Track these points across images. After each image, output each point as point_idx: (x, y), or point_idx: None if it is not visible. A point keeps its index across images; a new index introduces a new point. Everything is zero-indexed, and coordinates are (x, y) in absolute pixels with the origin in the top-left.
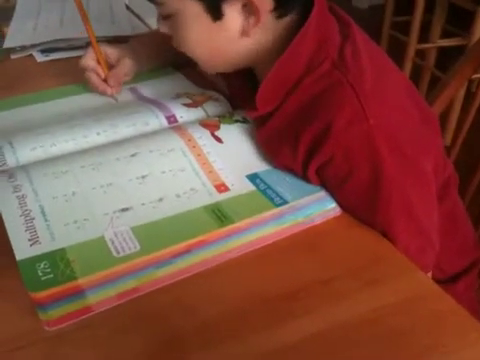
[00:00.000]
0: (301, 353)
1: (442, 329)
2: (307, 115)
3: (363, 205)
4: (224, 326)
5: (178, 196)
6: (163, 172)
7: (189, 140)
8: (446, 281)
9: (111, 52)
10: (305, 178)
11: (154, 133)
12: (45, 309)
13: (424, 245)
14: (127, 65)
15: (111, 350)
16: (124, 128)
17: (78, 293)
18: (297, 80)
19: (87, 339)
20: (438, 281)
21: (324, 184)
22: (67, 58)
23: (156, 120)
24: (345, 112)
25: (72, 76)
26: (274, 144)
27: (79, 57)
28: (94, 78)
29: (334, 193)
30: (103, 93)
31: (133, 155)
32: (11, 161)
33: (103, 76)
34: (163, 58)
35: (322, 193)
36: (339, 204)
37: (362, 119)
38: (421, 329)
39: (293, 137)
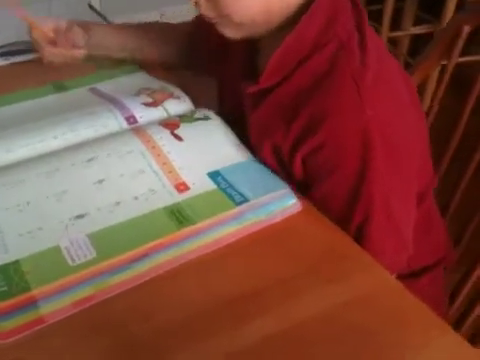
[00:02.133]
0: (261, 354)
1: (403, 326)
2: (306, 95)
3: (344, 197)
4: (181, 331)
5: (136, 198)
6: (121, 175)
7: (148, 141)
8: (410, 276)
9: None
10: (289, 164)
11: (112, 135)
12: None
13: (399, 246)
14: (75, 32)
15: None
16: (82, 130)
17: (31, 304)
18: (304, 57)
19: (43, 349)
20: (402, 275)
21: (308, 174)
22: (28, 61)
23: (115, 121)
24: (343, 101)
25: (33, 79)
26: (268, 120)
27: (39, 59)
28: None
29: (316, 183)
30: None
31: (90, 160)
32: None
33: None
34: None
35: (284, 190)
36: (316, 196)
37: (359, 111)
38: (382, 326)
39: (289, 115)
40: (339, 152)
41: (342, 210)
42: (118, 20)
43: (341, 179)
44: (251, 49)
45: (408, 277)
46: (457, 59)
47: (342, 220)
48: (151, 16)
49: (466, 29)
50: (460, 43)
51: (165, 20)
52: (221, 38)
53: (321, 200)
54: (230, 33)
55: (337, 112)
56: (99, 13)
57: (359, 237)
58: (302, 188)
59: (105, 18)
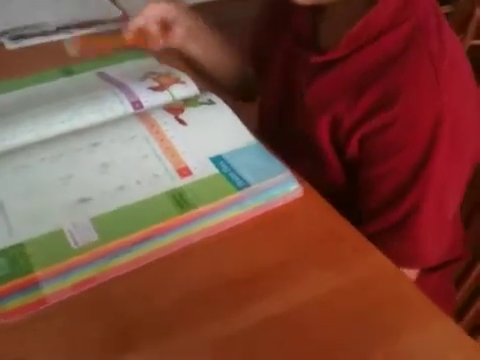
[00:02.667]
0: (260, 336)
1: (399, 311)
2: (379, 71)
3: (401, 180)
4: (180, 313)
5: (139, 183)
6: (125, 160)
7: (152, 126)
8: (427, 270)
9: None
10: (344, 139)
11: (117, 120)
12: (1, 302)
13: (439, 239)
14: (177, 35)
15: (67, 340)
16: (89, 115)
17: (34, 285)
18: (378, 32)
19: (44, 330)
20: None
21: (367, 152)
22: (38, 44)
23: (121, 106)
24: (420, 81)
25: (44, 62)
26: (331, 92)
27: (51, 43)
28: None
29: (374, 163)
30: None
31: (95, 145)
32: None
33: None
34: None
35: (285, 174)
36: (369, 176)
37: (436, 94)
38: (379, 311)
39: (357, 89)
40: (409, 131)
41: (393, 194)
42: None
43: (404, 160)
44: (312, 20)
45: (425, 271)
46: (470, 42)
47: (388, 205)
48: None
49: (478, 12)
50: (473, 26)
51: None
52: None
53: (372, 181)
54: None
55: (413, 91)
56: (119, 5)
57: (403, 225)
58: (347, 167)
59: (116, 2)
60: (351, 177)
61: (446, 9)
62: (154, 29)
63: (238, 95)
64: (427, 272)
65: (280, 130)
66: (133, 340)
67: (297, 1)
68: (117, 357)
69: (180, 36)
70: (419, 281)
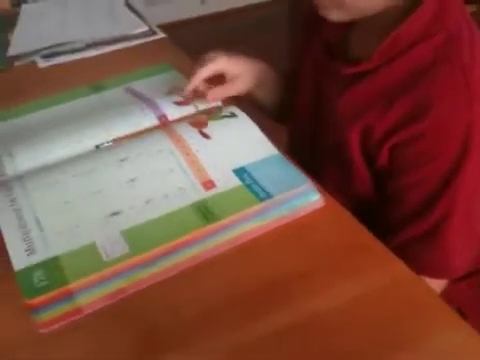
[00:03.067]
0: (279, 345)
1: (419, 319)
2: (410, 82)
3: (431, 189)
4: (205, 322)
5: (166, 196)
6: (152, 174)
7: (178, 140)
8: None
9: (231, 68)
10: (375, 149)
11: (144, 135)
12: (38, 313)
13: (468, 248)
14: (236, 88)
15: (98, 349)
16: (116, 130)
17: (69, 296)
18: (410, 44)
19: (76, 339)
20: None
21: (397, 161)
22: (68, 62)
23: (147, 120)
24: (452, 92)
25: (74, 79)
26: (363, 102)
27: (81, 60)
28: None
29: (405, 173)
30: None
31: (123, 160)
32: (10, 171)
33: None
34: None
35: (307, 185)
36: (399, 185)
37: (467, 104)
38: (398, 319)
39: (388, 100)
40: (441, 142)
41: (423, 203)
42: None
43: (435, 170)
44: (343, 31)
45: (452, 280)
46: None
47: (418, 214)
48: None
49: None
50: None
51: (207, 6)
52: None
53: (402, 191)
54: (337, 16)
55: (445, 102)
56: (136, 11)
57: (433, 234)
58: (376, 177)
59: (142, 16)
60: (379, 188)
61: (472, 8)
62: (203, 87)
63: (277, 117)
64: (454, 281)
65: (310, 142)
66: (160, 348)
67: (332, 18)
68: None
69: (242, 89)
70: (446, 290)
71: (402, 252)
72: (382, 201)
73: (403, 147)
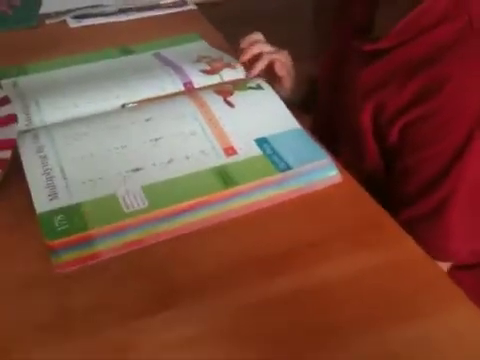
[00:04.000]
0: (287, 306)
1: (425, 295)
2: (429, 61)
3: (440, 166)
4: (217, 279)
5: (187, 158)
6: (175, 135)
7: (202, 105)
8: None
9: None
10: (386, 127)
11: (170, 98)
12: (58, 254)
13: (470, 235)
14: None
15: (111, 294)
16: (143, 92)
17: (89, 241)
18: (430, 24)
19: (91, 283)
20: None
21: (408, 139)
22: (99, 24)
23: (174, 86)
24: (467, 73)
25: (102, 42)
26: (379, 80)
27: (110, 23)
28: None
29: (411, 152)
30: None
31: (148, 119)
32: (36, 120)
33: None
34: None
35: (326, 160)
36: (409, 163)
37: None
38: (404, 293)
39: (402, 77)
40: (453, 119)
41: (429, 182)
42: None
43: (443, 149)
44: (369, 10)
45: (459, 269)
46: None
47: (422, 193)
48: None
49: None
50: None
51: None
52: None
53: (410, 169)
54: None
55: (459, 80)
56: None
57: (436, 213)
58: (386, 155)
59: None
60: (388, 167)
61: None
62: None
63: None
64: (461, 270)
65: (329, 122)
66: (172, 299)
67: None
68: (157, 313)
69: (286, 87)
70: (452, 278)
71: (406, 230)
72: (390, 179)
73: (414, 125)
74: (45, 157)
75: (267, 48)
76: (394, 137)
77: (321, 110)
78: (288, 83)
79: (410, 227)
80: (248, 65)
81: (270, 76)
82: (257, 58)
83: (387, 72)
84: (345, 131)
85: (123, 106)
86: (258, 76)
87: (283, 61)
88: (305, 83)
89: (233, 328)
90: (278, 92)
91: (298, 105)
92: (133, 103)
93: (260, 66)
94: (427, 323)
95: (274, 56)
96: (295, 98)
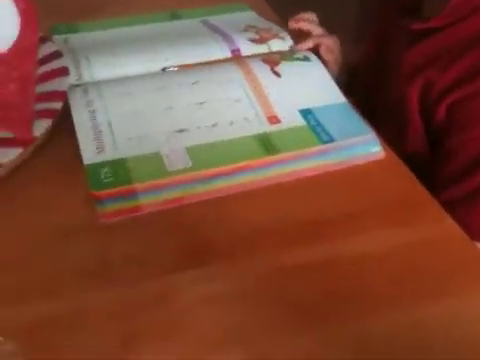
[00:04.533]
0: (317, 273)
1: (460, 274)
2: (478, 41)
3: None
4: (250, 242)
5: (231, 123)
6: (220, 101)
7: (248, 73)
8: None
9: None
10: (434, 105)
11: (217, 64)
12: (103, 204)
13: None
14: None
15: (149, 246)
16: (190, 56)
17: (132, 194)
18: None
19: (131, 235)
20: None
21: (456, 118)
22: None
23: (221, 52)
24: None
25: (153, 6)
26: (428, 58)
27: None
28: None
29: (457, 131)
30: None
31: (194, 83)
32: (86, 76)
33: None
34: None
35: (369, 135)
36: (455, 142)
37: None
38: (438, 271)
39: (451, 55)
40: None
41: (472, 162)
42: None
43: None
44: None
45: None
46: None
47: (466, 173)
48: None
49: None
50: None
51: None
52: None
53: (454, 149)
54: None
55: None
56: None
57: (477, 194)
58: (431, 134)
59: None
60: (432, 146)
61: None
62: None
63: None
64: None
65: (371, 98)
66: (205, 258)
67: None
68: (190, 269)
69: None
70: None
71: (446, 211)
72: (433, 159)
73: (462, 103)
74: (94, 111)
75: (317, 30)
76: (441, 116)
77: (362, 91)
78: (334, 68)
79: (451, 207)
80: (295, 39)
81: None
82: (305, 37)
83: (436, 50)
84: (388, 111)
85: (164, 70)
86: None
87: (330, 46)
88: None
89: (261, 290)
90: None
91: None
92: (174, 67)
93: (305, 46)
94: (458, 301)
95: (321, 39)
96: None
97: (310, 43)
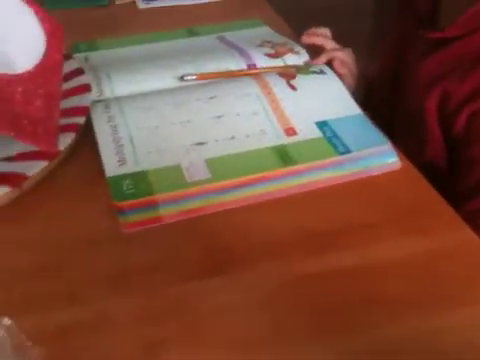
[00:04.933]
0: (336, 281)
1: (477, 282)
2: None
3: None
4: (270, 251)
5: (248, 136)
6: (237, 114)
7: (265, 87)
8: None
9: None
10: (453, 116)
11: (234, 78)
12: (125, 214)
13: None
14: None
15: (170, 255)
16: (208, 70)
17: (153, 205)
18: None
19: (153, 244)
20: None
21: (470, 131)
22: (166, 6)
23: (237, 66)
24: None
25: (169, 23)
26: (445, 68)
27: (177, 6)
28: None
29: (476, 143)
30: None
31: (212, 97)
32: (107, 92)
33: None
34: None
35: (386, 146)
36: (467, 157)
37: None
38: (455, 279)
39: (470, 64)
40: None
41: None
42: None
43: None
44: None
45: None
46: None
47: None
48: None
49: None
50: None
51: None
52: None
53: (476, 159)
54: None
55: None
56: None
57: None
58: (450, 146)
59: None
60: (450, 157)
61: None
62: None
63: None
64: None
65: (387, 109)
66: (224, 266)
67: None
68: (211, 277)
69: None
70: None
71: (467, 222)
72: (452, 170)
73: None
74: (115, 126)
75: (330, 44)
76: (460, 126)
77: (378, 104)
78: (349, 81)
79: (474, 218)
80: (311, 54)
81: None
82: (319, 51)
83: (454, 60)
84: (406, 122)
85: (182, 78)
86: None
87: (344, 59)
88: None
89: (280, 298)
90: None
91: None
92: (192, 76)
93: (319, 62)
94: (475, 310)
95: (335, 53)
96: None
97: (323, 58)
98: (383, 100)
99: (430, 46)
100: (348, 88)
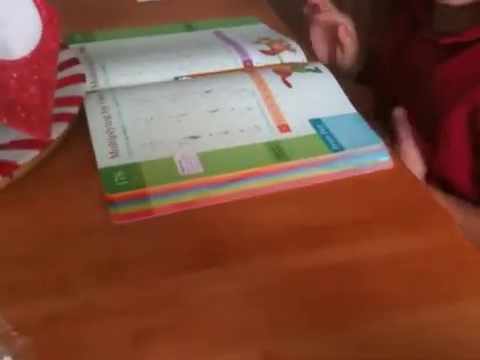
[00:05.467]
0: (326, 276)
1: (466, 280)
2: None
3: None
4: (262, 244)
5: (242, 131)
6: (232, 109)
7: (260, 83)
8: None
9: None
10: (453, 112)
11: (229, 73)
12: (116, 206)
13: None
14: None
15: (161, 247)
16: (204, 66)
17: (144, 197)
18: None
19: (144, 236)
20: None
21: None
22: (164, 1)
23: (234, 62)
24: None
25: (168, 17)
26: (464, 76)
27: (175, 1)
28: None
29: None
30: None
31: (207, 91)
32: (101, 83)
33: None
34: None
35: (379, 145)
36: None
37: None
38: (443, 276)
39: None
40: None
41: None
42: None
43: None
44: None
45: None
46: None
47: None
48: None
49: None
50: None
51: None
52: None
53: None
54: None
55: None
56: None
57: None
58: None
59: None
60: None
61: None
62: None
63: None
64: None
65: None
66: (217, 258)
67: (450, 2)
68: (203, 269)
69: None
70: None
71: None
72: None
73: None
74: (109, 117)
75: (334, 13)
76: (457, 127)
77: (385, 86)
78: (352, 49)
79: None
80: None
81: (333, 42)
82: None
83: (472, 68)
84: (426, 123)
85: (176, 79)
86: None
87: (348, 28)
88: (363, 54)
89: (272, 291)
90: (340, 60)
91: (355, 77)
92: (186, 77)
93: (324, 17)
94: (464, 307)
95: (340, 20)
96: (353, 69)
97: (327, 16)
98: (382, 80)
99: (442, 50)
100: (350, 57)
